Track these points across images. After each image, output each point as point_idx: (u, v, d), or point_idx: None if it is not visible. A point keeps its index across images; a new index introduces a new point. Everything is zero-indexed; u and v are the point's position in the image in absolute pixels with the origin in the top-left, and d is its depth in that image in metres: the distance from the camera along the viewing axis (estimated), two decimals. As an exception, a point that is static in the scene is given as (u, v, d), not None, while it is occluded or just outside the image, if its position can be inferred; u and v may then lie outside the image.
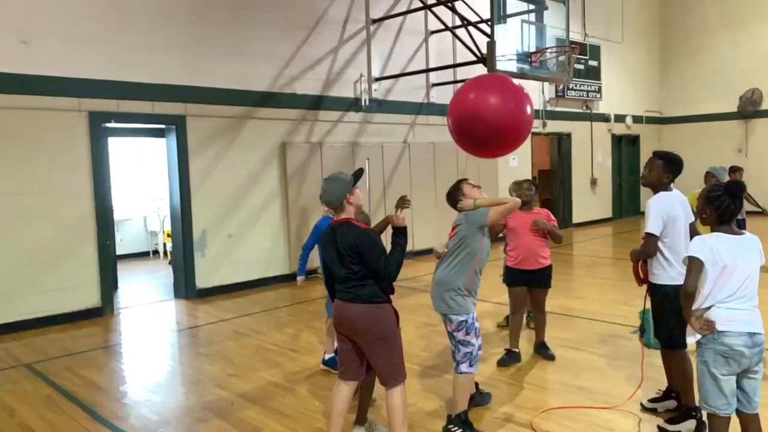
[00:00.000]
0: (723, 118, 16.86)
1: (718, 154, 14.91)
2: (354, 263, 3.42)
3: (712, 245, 3.08)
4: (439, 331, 5.97)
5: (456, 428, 3.94)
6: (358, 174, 3.62)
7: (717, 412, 3.08)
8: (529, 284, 5.42)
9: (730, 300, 3.05)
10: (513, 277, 5.48)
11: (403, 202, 3.96)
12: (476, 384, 4.34)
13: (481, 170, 11.83)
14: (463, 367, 3.93)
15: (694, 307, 3.11)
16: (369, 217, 4.51)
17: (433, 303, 4.08)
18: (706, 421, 3.24)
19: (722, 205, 3.12)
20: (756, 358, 3.06)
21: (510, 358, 5.37)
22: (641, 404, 4.34)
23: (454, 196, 4.12)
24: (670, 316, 3.89)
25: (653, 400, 4.33)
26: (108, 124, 7.98)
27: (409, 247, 10.66)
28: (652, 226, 3.88)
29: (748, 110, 16.52)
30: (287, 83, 9.42)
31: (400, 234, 3.51)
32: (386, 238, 3.49)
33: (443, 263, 4.04)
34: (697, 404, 3.24)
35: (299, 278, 5.34)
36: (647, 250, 3.93)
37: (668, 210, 3.91)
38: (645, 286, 4.15)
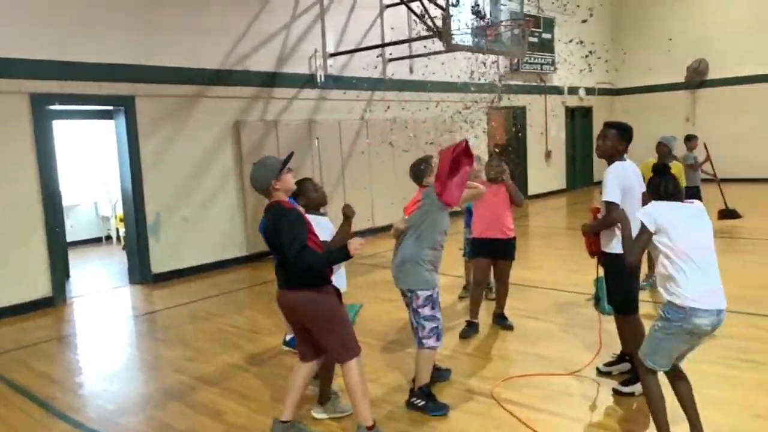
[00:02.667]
0: (671, 89, 17.29)
1: (668, 124, 15.28)
2: (280, 246, 3.33)
3: (663, 214, 3.14)
4: (400, 306, 5.97)
5: (419, 401, 3.98)
6: (288, 158, 3.51)
7: (658, 369, 3.20)
8: (493, 256, 5.46)
9: (696, 271, 3.03)
10: (477, 248, 5.51)
11: (348, 211, 3.86)
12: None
13: (438, 146, 11.83)
14: (430, 342, 3.95)
15: (663, 284, 3.14)
16: (325, 195, 4.39)
17: (396, 280, 4.06)
18: (638, 369, 3.33)
19: (659, 187, 3.22)
20: (714, 331, 3.12)
21: (470, 329, 5.45)
22: (597, 368, 4.46)
23: (420, 171, 4.11)
24: (622, 283, 3.98)
25: (608, 364, 4.46)
26: (52, 107, 7.64)
27: (368, 224, 10.56)
28: (612, 194, 3.91)
29: (695, 81, 16.96)
30: (239, 60, 9.19)
31: (342, 252, 3.31)
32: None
33: (406, 239, 4.02)
34: (638, 355, 3.31)
35: None
36: (612, 218, 3.89)
37: (624, 180, 3.98)
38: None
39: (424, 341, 3.95)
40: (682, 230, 3.09)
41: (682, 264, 3.05)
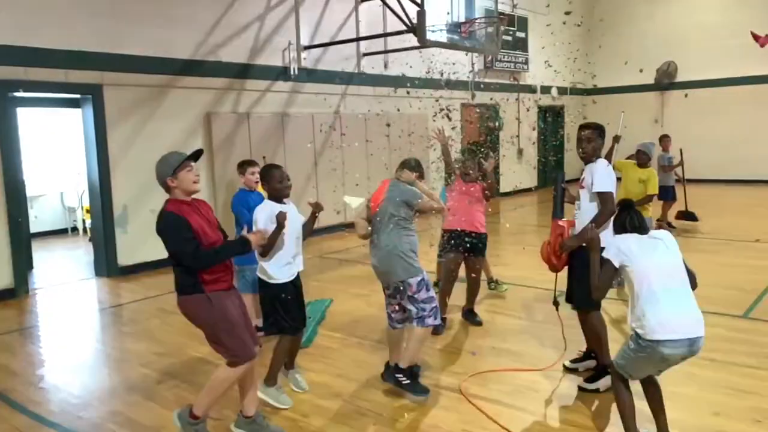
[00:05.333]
0: (641, 90, 17.59)
1: (637, 125, 15.53)
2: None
3: (629, 246, 3.15)
4: (371, 301, 6.00)
5: (404, 378, 4.03)
6: (194, 154, 3.35)
7: (630, 378, 3.22)
8: (464, 250, 5.47)
9: (662, 302, 3.00)
10: (447, 241, 5.51)
11: (316, 207, 4.03)
12: None
13: (413, 141, 11.84)
14: (430, 321, 4.05)
15: (633, 317, 3.12)
16: (289, 189, 4.06)
17: (382, 275, 4.10)
18: (611, 373, 3.37)
19: (625, 221, 3.26)
20: (688, 358, 3.10)
21: (441, 326, 5.47)
22: (563, 365, 4.52)
23: (412, 166, 4.28)
24: (585, 278, 4.00)
25: (574, 361, 4.52)
26: (16, 94, 7.45)
27: (340, 220, 10.59)
28: (608, 184, 3.99)
29: (663, 82, 17.28)
30: (212, 50, 9.05)
31: (240, 244, 3.37)
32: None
33: (383, 234, 4.04)
34: (612, 362, 3.34)
35: None
36: (612, 208, 3.90)
37: (612, 174, 4.09)
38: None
39: (426, 320, 4.03)
40: (645, 262, 3.09)
41: (647, 296, 3.03)
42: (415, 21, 8.65)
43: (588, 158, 4.17)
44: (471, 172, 5.52)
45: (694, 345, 3.02)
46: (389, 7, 9.07)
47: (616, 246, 3.19)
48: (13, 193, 7.17)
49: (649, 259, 3.10)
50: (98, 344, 5.78)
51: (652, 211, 7.02)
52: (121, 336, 5.88)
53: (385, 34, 10.67)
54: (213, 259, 3.27)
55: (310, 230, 4.17)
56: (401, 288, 4.04)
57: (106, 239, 8.07)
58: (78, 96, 8.05)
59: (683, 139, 11.97)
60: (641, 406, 3.34)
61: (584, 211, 4.10)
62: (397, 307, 4.17)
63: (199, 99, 8.94)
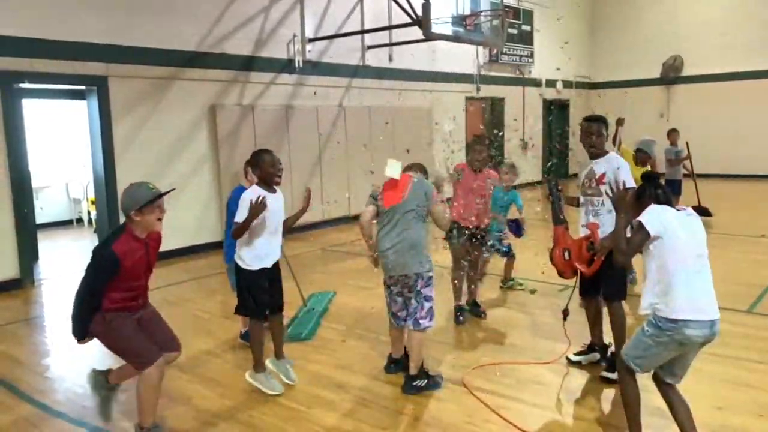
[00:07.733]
0: (647, 84, 17.51)
1: (642, 119, 15.53)
2: None
3: (669, 217, 3.01)
4: (374, 294, 6.00)
5: (421, 381, 4.08)
6: (163, 194, 3.37)
7: (639, 372, 3.13)
8: (468, 240, 5.47)
9: (690, 280, 2.93)
10: (455, 230, 5.50)
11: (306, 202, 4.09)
12: (404, 347, 4.40)
13: (417, 135, 11.83)
14: (426, 322, 4.07)
15: (653, 291, 3.02)
16: (281, 174, 4.15)
17: (401, 267, 4.04)
18: (617, 366, 3.29)
19: (660, 193, 3.12)
20: (706, 343, 3.01)
21: (462, 313, 5.50)
22: (567, 358, 4.52)
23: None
24: (619, 269, 3.93)
25: (578, 354, 4.52)
26: (21, 85, 7.46)
27: (345, 212, 10.53)
28: (632, 178, 3.97)
29: (670, 76, 17.19)
30: (216, 43, 9.05)
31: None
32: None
33: (408, 226, 4.03)
34: (621, 355, 3.22)
35: None
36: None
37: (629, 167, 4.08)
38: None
39: (421, 322, 4.06)
40: (683, 238, 2.97)
41: (679, 273, 2.93)
42: (420, 13, 8.62)
43: (598, 152, 4.15)
44: (480, 159, 5.50)
45: (714, 326, 2.94)
46: (395, 0, 9.04)
47: (657, 215, 2.99)
48: (18, 185, 7.20)
49: (686, 235, 2.98)
50: (103, 335, 5.80)
51: None
52: (125, 327, 5.89)
53: (390, 27, 10.64)
54: (75, 308, 3.34)
55: (293, 223, 4.25)
56: (412, 282, 4.05)
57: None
58: (83, 87, 8.06)
59: (689, 133, 11.90)
60: (647, 400, 3.33)
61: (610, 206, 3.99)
62: (399, 305, 4.19)
63: (204, 91, 8.94)
